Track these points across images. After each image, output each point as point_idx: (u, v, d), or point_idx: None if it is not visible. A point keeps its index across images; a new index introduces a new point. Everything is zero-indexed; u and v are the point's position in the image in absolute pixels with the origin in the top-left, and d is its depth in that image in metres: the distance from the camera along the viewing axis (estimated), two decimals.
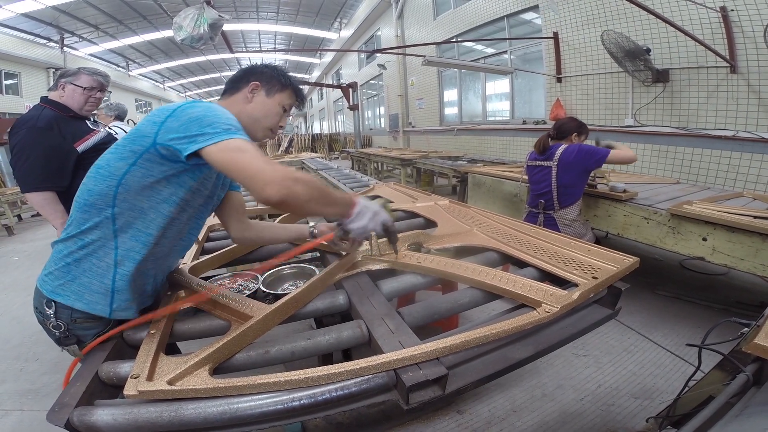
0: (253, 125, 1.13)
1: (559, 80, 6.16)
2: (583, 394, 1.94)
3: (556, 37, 6.03)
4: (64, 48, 15.45)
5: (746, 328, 0.95)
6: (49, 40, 14.86)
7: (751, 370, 0.88)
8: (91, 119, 2.13)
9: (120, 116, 3.74)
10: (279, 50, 21.50)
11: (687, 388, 1.09)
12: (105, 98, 2.21)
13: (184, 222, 1.09)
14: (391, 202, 2.20)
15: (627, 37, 4.32)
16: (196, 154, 0.87)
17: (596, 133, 5.00)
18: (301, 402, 0.75)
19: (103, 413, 0.75)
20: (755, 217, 2.04)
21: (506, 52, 7.76)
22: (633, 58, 4.44)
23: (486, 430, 1.76)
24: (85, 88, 1.99)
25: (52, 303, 1.00)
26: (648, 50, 4.40)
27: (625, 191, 2.66)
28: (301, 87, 1.24)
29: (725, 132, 4.03)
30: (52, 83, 2.12)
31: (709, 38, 3.95)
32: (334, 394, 0.76)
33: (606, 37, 4.35)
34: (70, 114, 1.97)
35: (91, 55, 17.58)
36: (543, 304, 0.98)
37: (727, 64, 3.90)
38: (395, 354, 0.82)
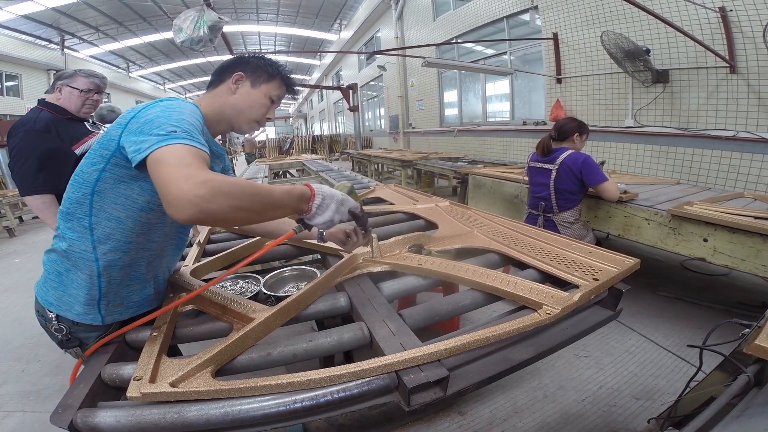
0: (237, 117, 1.09)
1: (558, 81, 6.16)
2: (584, 395, 1.94)
3: (555, 38, 6.04)
4: (65, 50, 15.47)
5: (747, 329, 0.96)
6: (50, 41, 14.89)
7: (752, 371, 0.88)
8: (90, 121, 2.12)
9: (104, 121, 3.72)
10: (279, 52, 21.51)
11: (688, 389, 1.09)
12: (105, 100, 2.21)
13: (168, 225, 1.05)
14: (355, 186, 2.16)
15: (626, 37, 4.33)
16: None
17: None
18: (303, 404, 0.75)
19: (106, 415, 0.76)
20: (756, 217, 2.04)
21: (506, 53, 7.76)
22: (633, 58, 4.45)
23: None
24: (81, 90, 1.98)
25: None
26: (647, 51, 4.40)
27: (625, 192, 2.66)
28: (291, 76, 1.17)
29: (725, 132, 4.03)
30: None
31: (709, 38, 3.95)
32: (335, 395, 0.77)
33: (605, 38, 4.36)
34: (68, 116, 1.96)
35: (91, 56, 17.61)
36: (544, 306, 0.99)
37: (727, 65, 3.90)
38: (396, 356, 0.82)
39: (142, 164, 0.77)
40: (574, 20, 5.73)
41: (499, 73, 7.08)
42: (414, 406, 0.77)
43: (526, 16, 7.04)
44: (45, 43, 14.74)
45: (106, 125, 2.15)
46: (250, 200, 0.76)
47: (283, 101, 1.22)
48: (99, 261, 0.96)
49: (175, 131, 0.78)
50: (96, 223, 0.93)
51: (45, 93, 2.02)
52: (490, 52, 8.54)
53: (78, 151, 1.92)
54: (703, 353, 1.06)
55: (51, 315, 1.01)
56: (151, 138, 0.77)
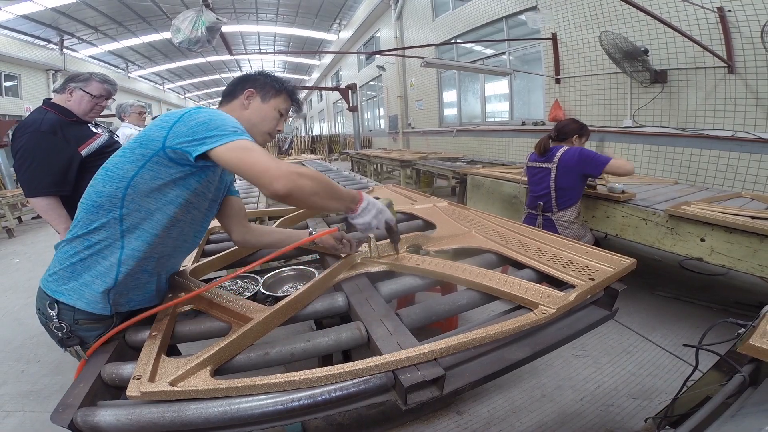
0: (251, 130, 1.15)
1: (557, 81, 6.17)
2: (582, 395, 1.95)
3: (554, 38, 6.05)
4: (64, 50, 15.45)
5: (743, 329, 0.96)
6: (49, 41, 14.87)
7: (747, 371, 0.89)
8: (93, 123, 2.13)
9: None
10: (278, 52, 21.51)
11: (685, 389, 1.10)
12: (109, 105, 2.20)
13: (188, 224, 1.12)
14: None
15: (625, 38, 4.34)
16: (204, 156, 0.91)
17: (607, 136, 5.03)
18: (301, 402, 0.76)
19: (106, 414, 0.76)
20: (753, 217, 2.05)
21: (505, 53, 7.77)
22: (631, 58, 4.46)
23: (485, 431, 1.77)
24: (94, 95, 1.98)
25: (55, 304, 1.02)
26: (646, 51, 4.41)
27: (623, 192, 2.67)
28: (296, 90, 1.28)
29: (723, 132, 4.04)
30: (53, 85, 2.13)
31: (707, 39, 3.96)
32: (333, 394, 0.77)
33: (604, 38, 4.37)
34: (73, 118, 1.96)
35: (90, 56, 17.60)
36: (540, 306, 0.99)
37: (725, 65, 3.91)
38: (393, 355, 0.82)
39: (204, 155, 0.91)
40: (573, 20, 5.74)
41: (498, 73, 7.08)
42: (411, 405, 0.78)
43: (524, 17, 7.04)
44: (44, 43, 14.73)
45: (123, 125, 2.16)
46: (324, 187, 0.96)
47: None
48: (124, 249, 1.02)
49: (238, 130, 0.94)
50: (126, 214, 1.00)
51: (53, 92, 2.02)
52: (489, 52, 8.54)
53: (84, 153, 1.93)
54: (699, 353, 1.07)
55: (52, 313, 1.02)
56: (217, 133, 0.91)
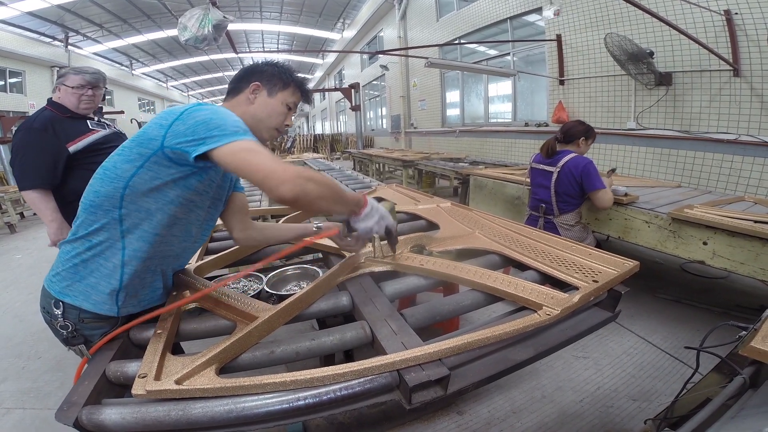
0: (257, 126, 1.13)
1: (561, 83, 6.17)
2: (582, 396, 1.95)
3: (559, 39, 6.04)
4: (69, 47, 15.50)
5: (744, 332, 0.97)
6: (54, 38, 14.92)
7: (747, 373, 0.89)
8: (95, 119, 2.14)
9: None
10: (282, 50, 21.52)
11: (685, 391, 1.10)
12: (109, 96, 2.24)
13: (191, 222, 1.10)
14: (396, 204, 2.22)
15: (630, 40, 4.33)
16: (204, 156, 0.88)
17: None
18: (306, 401, 0.76)
19: (111, 412, 0.76)
20: (755, 221, 2.04)
21: (509, 54, 7.76)
22: (636, 61, 4.45)
23: (485, 431, 1.78)
24: (73, 87, 2.03)
25: (60, 303, 1.01)
26: (651, 53, 4.41)
27: (626, 195, 2.67)
28: (305, 81, 1.22)
29: (727, 135, 4.04)
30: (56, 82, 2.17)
31: (713, 41, 3.95)
32: (338, 393, 0.78)
33: (609, 40, 4.36)
34: (68, 114, 2.03)
35: (95, 53, 17.65)
36: (544, 307, 1.00)
37: (731, 68, 3.91)
38: (398, 355, 0.83)
39: (204, 156, 0.87)
40: (578, 22, 5.73)
41: (501, 74, 7.08)
42: (415, 405, 0.78)
43: (529, 18, 7.04)
44: (49, 40, 14.78)
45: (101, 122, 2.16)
46: (330, 190, 0.93)
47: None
48: (126, 250, 1.00)
49: (240, 130, 0.90)
50: (126, 215, 0.97)
51: (52, 92, 2.10)
52: (493, 53, 8.53)
53: (71, 149, 1.96)
54: (700, 355, 1.08)
55: (57, 311, 1.01)
56: (218, 133, 0.87)
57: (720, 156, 4.13)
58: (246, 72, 1.17)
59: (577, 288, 1.11)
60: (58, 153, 1.93)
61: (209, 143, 0.86)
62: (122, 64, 20.57)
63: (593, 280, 1.14)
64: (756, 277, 2.03)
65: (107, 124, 2.20)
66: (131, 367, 0.90)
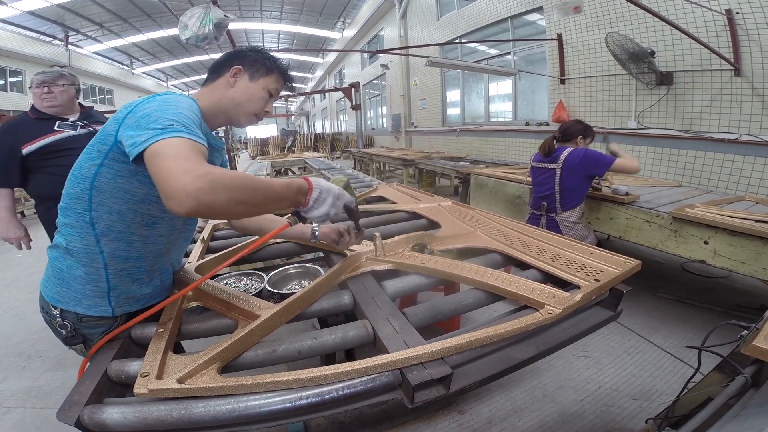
0: (235, 110, 1.09)
1: (562, 82, 6.16)
2: (583, 395, 1.96)
3: (560, 38, 6.03)
4: (69, 46, 15.50)
5: (745, 331, 0.97)
6: (54, 38, 14.93)
7: (749, 372, 0.89)
8: (69, 119, 2.12)
9: None
10: (282, 49, 21.49)
11: (686, 390, 1.10)
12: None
13: (173, 218, 1.05)
14: (349, 179, 2.18)
15: (631, 39, 4.32)
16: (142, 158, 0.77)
17: (611, 136, 5.01)
18: (309, 400, 0.76)
19: (113, 411, 0.76)
20: (756, 221, 2.04)
21: (510, 53, 7.76)
22: (637, 60, 4.44)
23: (486, 431, 1.77)
24: (33, 88, 2.10)
25: (57, 306, 1.01)
26: (652, 53, 4.40)
27: (627, 194, 2.67)
28: (289, 69, 1.17)
29: (728, 135, 4.03)
30: None
31: (714, 41, 3.94)
32: (340, 392, 0.78)
33: (610, 40, 4.36)
34: (36, 116, 2.08)
35: (95, 53, 17.66)
36: (546, 306, 1.00)
37: (732, 67, 3.90)
38: (401, 353, 0.83)
39: (140, 158, 0.76)
40: (579, 21, 5.72)
41: (502, 73, 7.07)
42: (417, 403, 0.78)
43: (530, 17, 7.03)
44: (49, 39, 14.80)
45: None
46: (249, 193, 0.76)
47: (289, 100, 1.22)
48: (104, 253, 0.96)
49: (172, 125, 0.78)
50: (97, 218, 0.93)
51: None
52: (493, 52, 8.52)
53: (25, 151, 1.98)
54: (701, 354, 1.08)
55: (55, 311, 1.01)
56: (148, 132, 0.76)
57: (721, 155, 4.12)
58: (228, 56, 1.12)
59: (578, 287, 1.11)
60: (10, 154, 1.98)
61: (140, 144, 0.76)
62: (122, 63, 20.58)
63: (595, 279, 1.14)
64: (757, 277, 2.03)
65: (83, 125, 2.15)
66: (133, 366, 0.90)
